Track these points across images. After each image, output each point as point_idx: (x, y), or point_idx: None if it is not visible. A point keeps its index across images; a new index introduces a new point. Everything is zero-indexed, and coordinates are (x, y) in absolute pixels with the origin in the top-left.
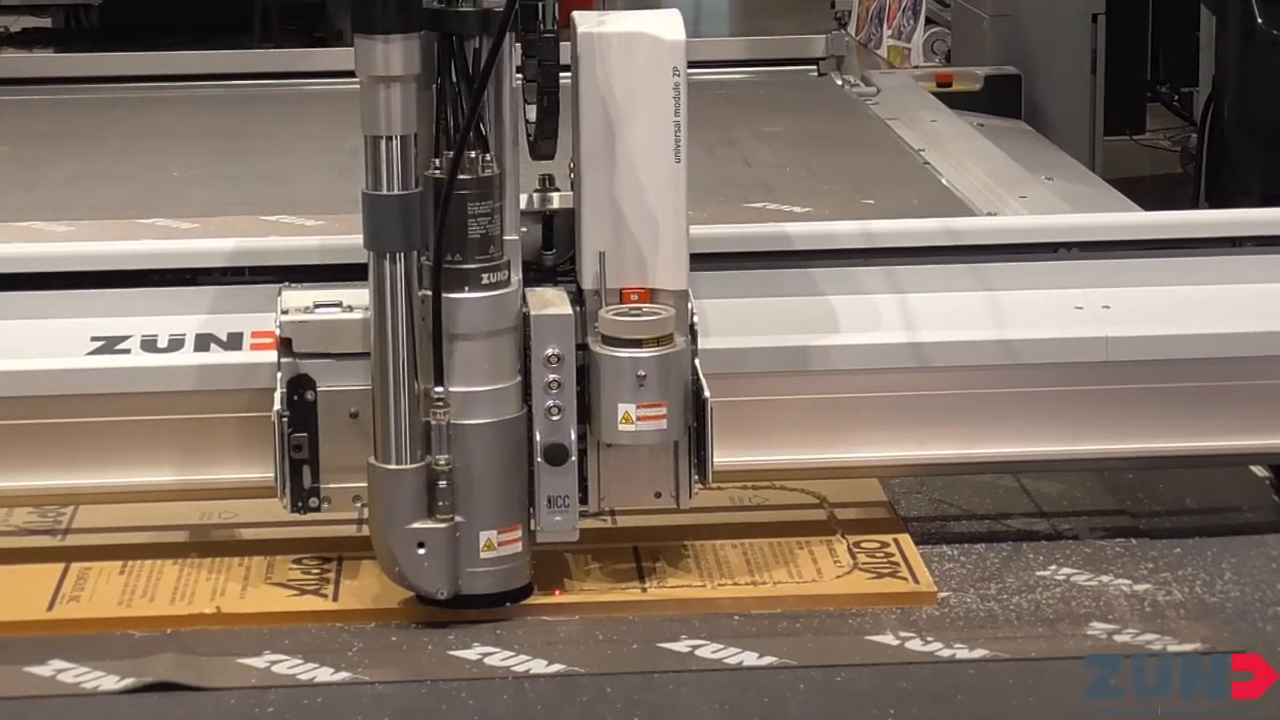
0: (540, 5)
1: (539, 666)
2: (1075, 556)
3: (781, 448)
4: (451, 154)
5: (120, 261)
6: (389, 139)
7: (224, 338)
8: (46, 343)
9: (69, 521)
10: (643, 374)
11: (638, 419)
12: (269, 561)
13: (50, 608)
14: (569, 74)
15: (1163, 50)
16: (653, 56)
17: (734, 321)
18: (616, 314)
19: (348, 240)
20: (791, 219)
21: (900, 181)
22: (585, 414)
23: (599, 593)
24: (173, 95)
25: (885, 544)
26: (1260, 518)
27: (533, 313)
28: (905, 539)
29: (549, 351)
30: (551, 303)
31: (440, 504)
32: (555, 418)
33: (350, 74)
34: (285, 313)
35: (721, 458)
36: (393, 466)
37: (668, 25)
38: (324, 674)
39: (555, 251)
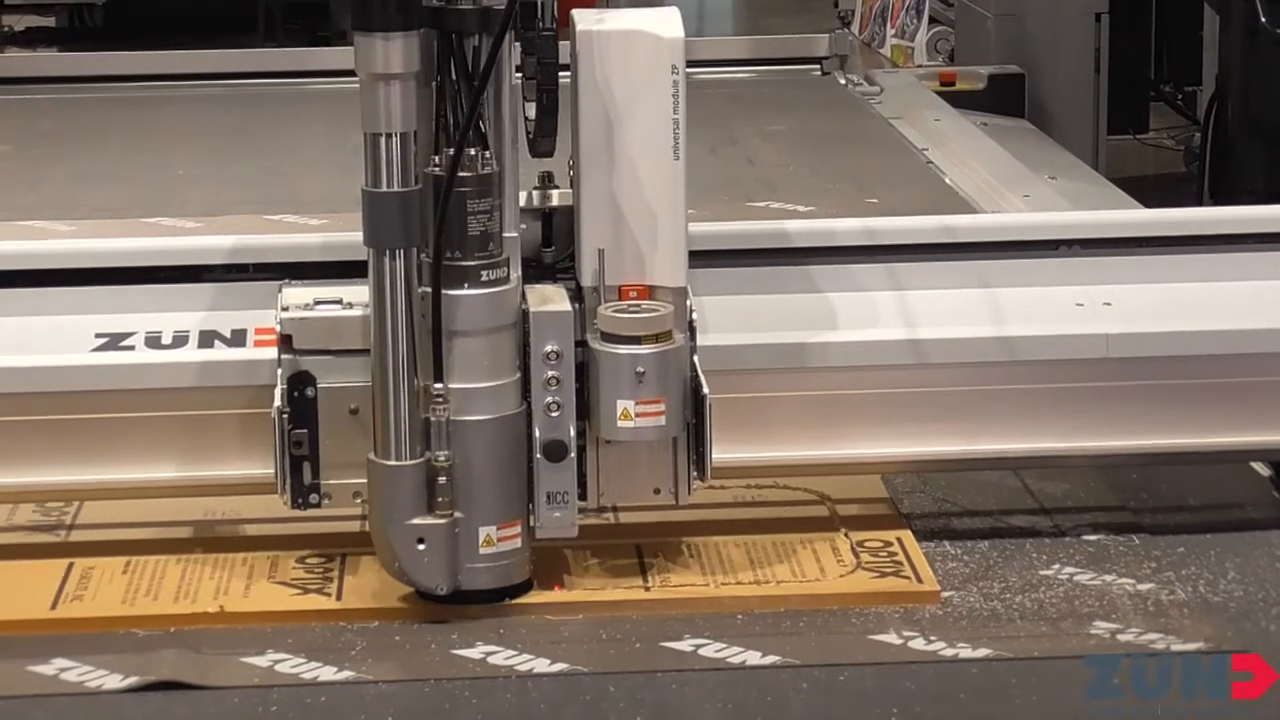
0: (540, 3)
1: (542, 665)
2: (1078, 555)
3: (780, 444)
4: (451, 151)
5: (124, 258)
6: (389, 136)
7: (227, 334)
8: (51, 339)
9: (74, 517)
10: (641, 370)
11: (637, 415)
12: (272, 560)
13: (54, 606)
14: (569, 72)
15: (1166, 49)
16: (652, 54)
17: (733, 318)
18: (615, 311)
19: (348, 237)
20: (795, 218)
21: (904, 181)
22: (584, 410)
23: (602, 591)
24: (176, 94)
25: (888, 543)
26: (1264, 516)
27: (532, 309)
28: (909, 538)
29: (548, 348)
30: (551, 299)
31: (440, 500)
32: (554, 414)
33: (353, 73)
34: (285, 309)
35: (720, 454)
36: (393, 462)
37: (667, 23)
38: (327, 673)
39: (555, 248)
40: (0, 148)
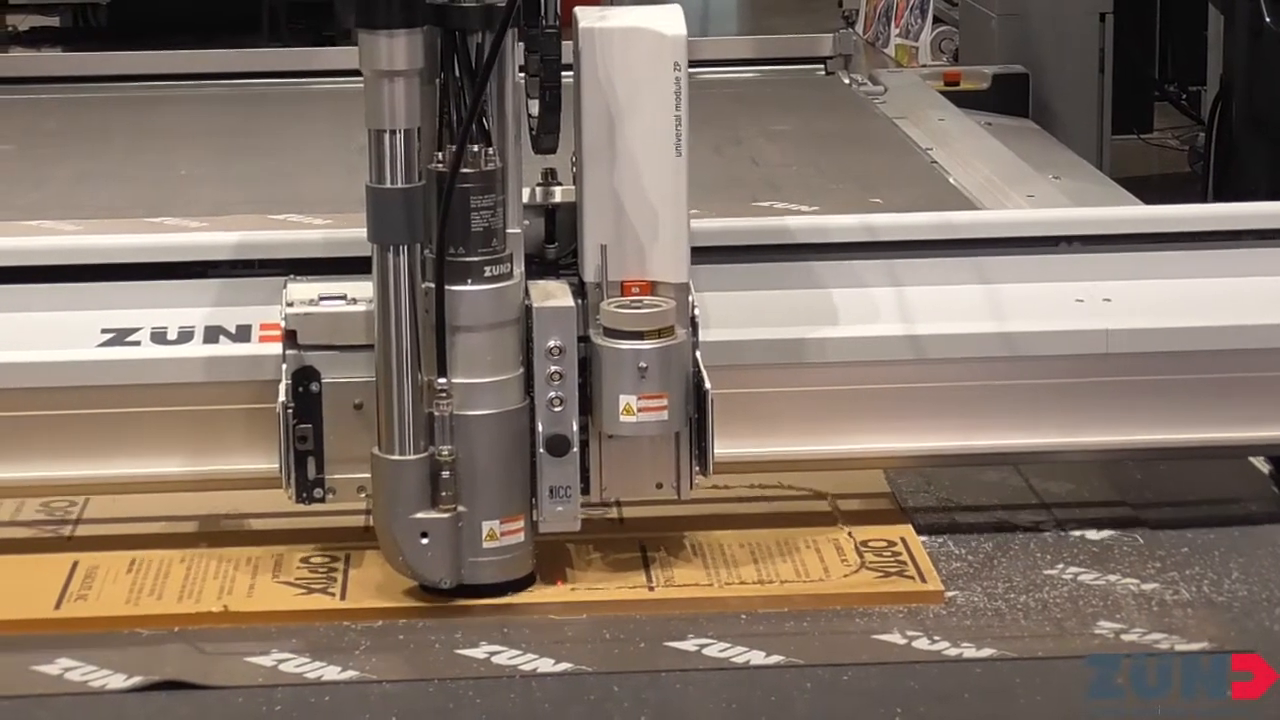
0: (542, 0)
1: (546, 665)
2: (1082, 555)
3: (782, 439)
4: (454, 148)
5: (130, 255)
6: (392, 133)
7: (233, 330)
8: (57, 335)
9: (80, 512)
10: (644, 365)
11: (639, 410)
12: (276, 559)
13: (58, 606)
14: (572, 70)
15: (1171, 49)
16: (654, 51)
17: (735, 314)
18: (618, 306)
19: (352, 234)
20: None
21: (908, 180)
22: (587, 405)
23: (606, 591)
24: (180, 94)
25: (892, 543)
26: (1265, 512)
27: (535, 305)
28: (913, 538)
29: (551, 343)
30: (554, 295)
31: (443, 494)
32: (557, 409)
33: (358, 73)
34: (290, 305)
35: (722, 449)
36: (396, 457)
37: (669, 20)
38: (331, 672)
39: (558, 245)
40: (4, 147)
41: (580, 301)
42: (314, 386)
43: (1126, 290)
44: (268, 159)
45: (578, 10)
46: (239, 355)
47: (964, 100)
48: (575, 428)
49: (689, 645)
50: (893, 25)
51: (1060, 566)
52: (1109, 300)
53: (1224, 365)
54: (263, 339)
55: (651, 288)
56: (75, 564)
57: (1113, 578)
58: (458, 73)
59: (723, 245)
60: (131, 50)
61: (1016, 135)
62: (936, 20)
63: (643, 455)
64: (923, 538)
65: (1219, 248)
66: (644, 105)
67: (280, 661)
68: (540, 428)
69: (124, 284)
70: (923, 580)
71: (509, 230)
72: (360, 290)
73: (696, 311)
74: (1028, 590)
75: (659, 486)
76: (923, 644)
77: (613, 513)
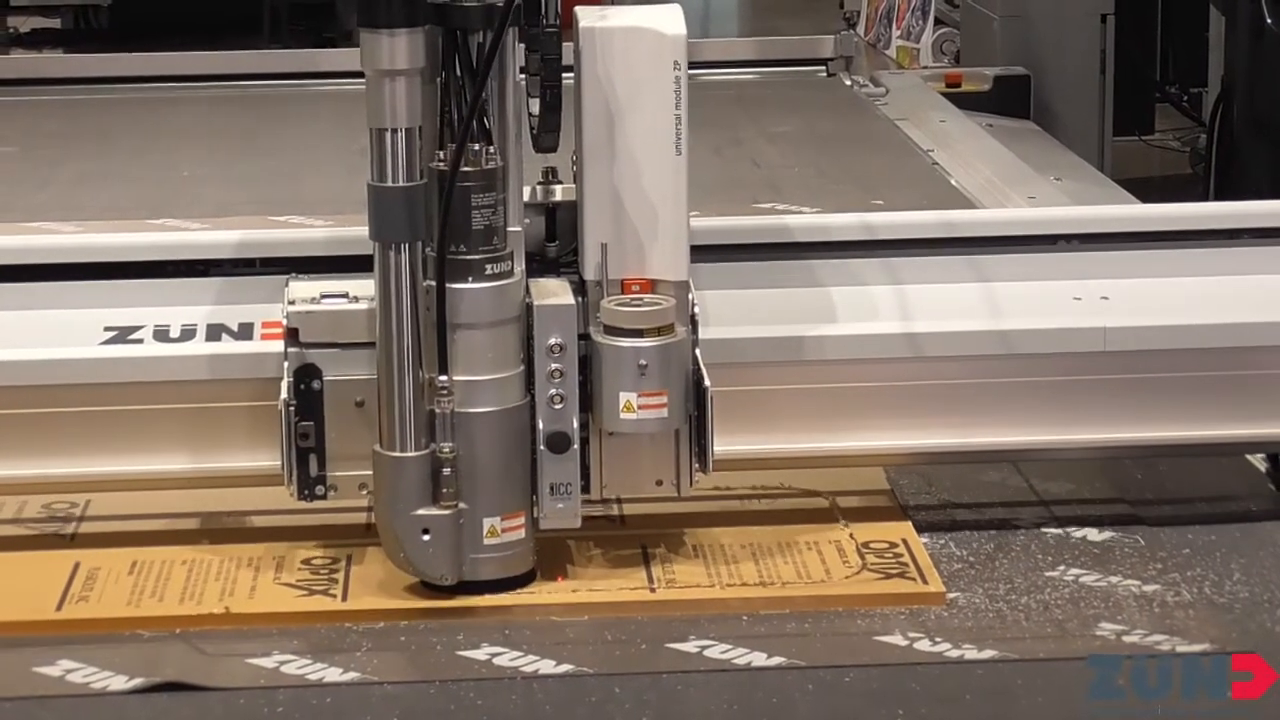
0: (543, 0)
1: (548, 667)
2: (1084, 557)
3: (781, 436)
4: (455, 146)
5: (133, 253)
6: (394, 131)
7: (235, 328)
8: (61, 332)
9: (81, 512)
10: (644, 363)
11: (639, 407)
12: (278, 561)
13: (59, 607)
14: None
15: (1172, 50)
16: (654, 50)
17: (734, 312)
18: (618, 304)
19: (354, 232)
20: None
21: (909, 182)
22: (587, 402)
23: (607, 592)
24: (181, 96)
25: (893, 544)
26: (1266, 513)
27: (536, 303)
28: (914, 539)
29: (552, 341)
30: (554, 293)
31: (444, 491)
32: (558, 406)
33: (359, 74)
34: (292, 303)
35: (722, 446)
36: (398, 454)
37: (669, 20)
38: (333, 674)
39: (558, 243)
40: (6, 149)
41: (581, 299)
42: (316, 384)
43: (1124, 288)
44: (269, 160)
45: (578, 10)
46: (241, 353)
47: (965, 102)
48: (576, 425)
49: (690, 646)
50: (894, 27)
51: (1061, 568)
52: (1106, 298)
53: (1221, 363)
54: (265, 337)
55: (652, 286)
56: (77, 565)
57: (1114, 579)
58: (459, 72)
59: (722, 244)
60: (133, 52)
61: (1017, 137)
62: (938, 22)
63: (643, 452)
64: (924, 539)
65: (1216, 246)
66: (644, 104)
67: (282, 663)
68: (541, 425)
69: (127, 282)
70: (924, 582)
71: (510, 228)
72: (362, 288)
73: (696, 309)
74: (1029, 592)
75: (659, 483)
76: (924, 645)
77: (614, 509)
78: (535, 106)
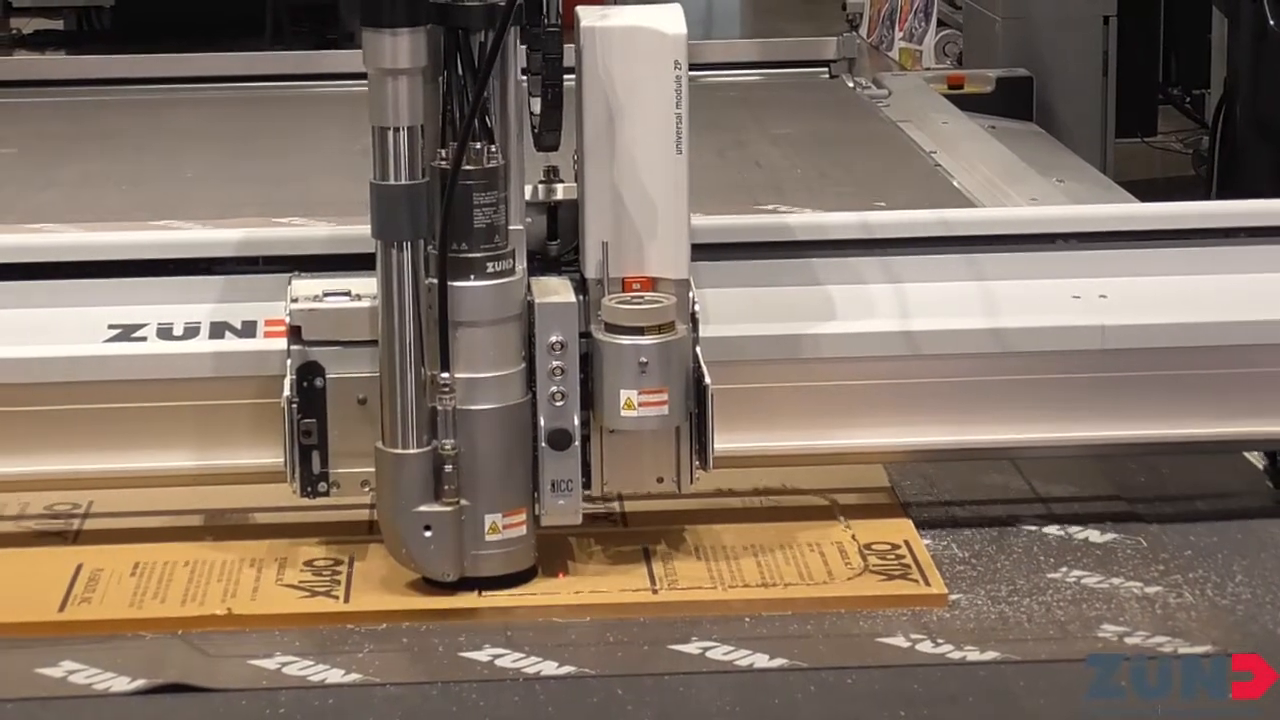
0: (544, 0)
1: (549, 668)
2: (1086, 559)
3: (781, 433)
4: (457, 145)
5: (137, 251)
6: (396, 130)
7: (238, 326)
8: (64, 330)
9: (84, 511)
10: (645, 361)
11: (640, 405)
12: (280, 562)
13: (61, 609)
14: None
15: (1174, 52)
16: (655, 50)
17: (734, 310)
18: (619, 302)
19: (356, 230)
20: None
21: (911, 183)
22: (588, 400)
23: (609, 594)
24: (184, 97)
25: (896, 545)
26: (1266, 511)
27: (537, 301)
28: (916, 540)
29: (553, 339)
30: (556, 291)
31: (446, 488)
32: (559, 403)
33: (361, 76)
34: (295, 301)
35: (722, 443)
36: (400, 451)
37: (669, 19)
38: (335, 675)
39: (559, 241)
40: (10, 151)
41: (582, 297)
42: (318, 381)
43: (1122, 287)
44: (272, 161)
45: (579, 9)
46: (244, 351)
47: (968, 103)
48: (577, 422)
49: (692, 648)
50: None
51: (1064, 570)
52: (1105, 297)
53: (1219, 361)
54: (268, 334)
55: (652, 284)
56: (79, 566)
57: (1116, 581)
58: (460, 71)
59: (723, 242)
60: (135, 54)
61: (1020, 138)
62: (940, 24)
63: (643, 450)
64: (926, 540)
65: (1214, 244)
66: (645, 103)
67: (284, 664)
68: (542, 422)
69: (130, 280)
70: (926, 583)
71: (511, 227)
72: (364, 286)
73: (697, 307)
74: (1031, 594)
75: (660, 481)
76: (926, 647)
77: (615, 508)
78: (536, 105)
